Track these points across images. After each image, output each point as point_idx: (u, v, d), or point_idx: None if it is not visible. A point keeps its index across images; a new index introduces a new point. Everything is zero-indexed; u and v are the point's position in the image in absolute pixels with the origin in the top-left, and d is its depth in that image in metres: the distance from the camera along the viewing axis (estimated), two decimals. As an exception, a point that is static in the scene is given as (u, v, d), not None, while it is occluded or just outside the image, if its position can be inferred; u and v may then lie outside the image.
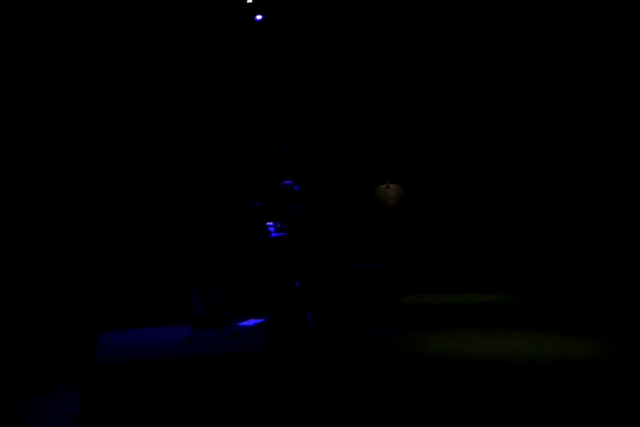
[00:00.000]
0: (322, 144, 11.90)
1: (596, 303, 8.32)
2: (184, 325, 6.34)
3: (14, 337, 6.84)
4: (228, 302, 6.20)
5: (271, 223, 7.12)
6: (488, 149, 12.21)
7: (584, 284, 9.94)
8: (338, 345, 4.88)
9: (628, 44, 10.34)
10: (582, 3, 10.65)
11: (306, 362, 4.62)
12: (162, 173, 9.78)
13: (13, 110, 8.51)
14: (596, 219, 10.78)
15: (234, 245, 7.18)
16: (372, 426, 3.54)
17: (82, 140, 9.10)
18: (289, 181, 7.60)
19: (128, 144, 9.63)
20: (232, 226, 7.23)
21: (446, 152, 12.71)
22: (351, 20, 11.82)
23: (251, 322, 6.31)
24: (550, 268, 10.88)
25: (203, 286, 5.92)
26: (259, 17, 11.19)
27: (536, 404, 4.00)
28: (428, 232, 12.60)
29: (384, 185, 12.66)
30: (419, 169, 12.85)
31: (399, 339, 5.56)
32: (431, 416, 3.78)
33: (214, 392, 4.36)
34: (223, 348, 5.10)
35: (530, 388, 4.63)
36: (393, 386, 4.71)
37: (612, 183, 10.82)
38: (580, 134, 11.02)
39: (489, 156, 12.20)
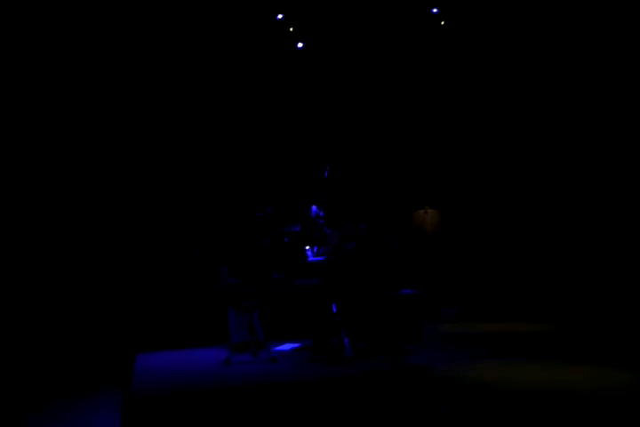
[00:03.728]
0: (360, 170, 11.95)
1: (635, 333, 8.05)
2: (219, 347, 6.36)
3: (51, 360, 6.97)
4: (264, 326, 6.20)
5: (308, 248, 7.13)
6: (530, 175, 12.04)
7: (622, 313, 9.61)
8: (375, 373, 4.81)
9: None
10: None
11: (344, 389, 4.56)
12: (202, 197, 9.96)
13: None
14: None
15: (271, 268, 7.20)
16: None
17: (116, 162, 9.34)
18: (314, 207, 7.63)
19: (169, 170, 9.87)
20: (270, 250, 7.26)
21: (486, 177, 12.59)
22: (391, 50, 11.98)
23: (287, 346, 6.28)
24: (591, 296, 10.55)
25: (240, 309, 5.94)
26: (300, 45, 11.44)
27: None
28: (467, 259, 12.41)
29: (422, 210, 12.57)
30: (457, 194, 12.74)
31: (436, 368, 5.46)
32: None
33: (253, 418, 4.34)
34: (260, 372, 5.09)
35: (569, 420, 4.48)
36: (431, 415, 4.61)
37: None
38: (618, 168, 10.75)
39: (531, 181, 12.03)
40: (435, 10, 11.50)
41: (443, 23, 11.56)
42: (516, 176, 12.23)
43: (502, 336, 8.22)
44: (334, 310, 5.75)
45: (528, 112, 11.98)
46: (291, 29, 11.35)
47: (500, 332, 8.60)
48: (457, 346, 7.59)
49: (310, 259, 6.75)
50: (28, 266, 8.12)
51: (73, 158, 8.91)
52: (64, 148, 8.82)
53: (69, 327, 7.58)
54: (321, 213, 7.56)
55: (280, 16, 11.10)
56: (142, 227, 9.07)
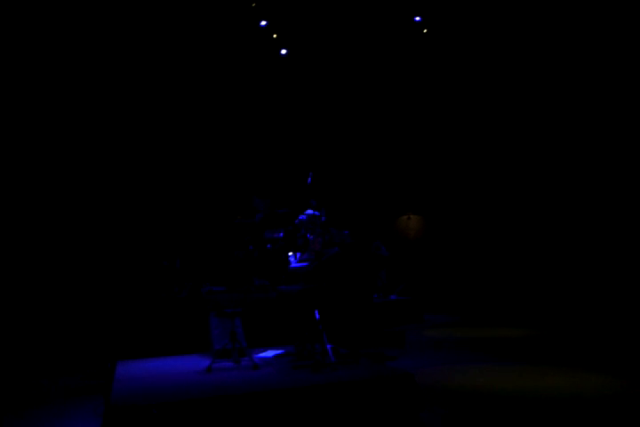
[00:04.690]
0: (343, 176, 11.98)
1: (618, 338, 8.15)
2: (201, 354, 6.31)
3: (34, 367, 6.88)
4: (246, 332, 6.17)
5: (291, 254, 7.12)
6: (513, 181, 12.15)
7: (604, 319, 9.71)
8: (357, 379, 4.81)
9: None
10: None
11: (326, 396, 4.55)
12: (183, 205, 9.91)
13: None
14: (625, 257, 10.54)
15: (254, 275, 7.18)
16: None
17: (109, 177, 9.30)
18: (310, 211, 7.62)
19: (149, 178, 9.83)
20: (253, 256, 7.24)
21: (468, 183, 12.68)
22: (378, 62, 12.06)
23: (269, 353, 6.25)
24: (573, 302, 10.66)
25: (222, 316, 5.90)
26: (283, 51, 11.46)
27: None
28: (450, 264, 12.47)
29: (405, 216, 12.62)
30: (440, 200, 12.82)
31: (419, 373, 5.48)
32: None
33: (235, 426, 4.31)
34: (242, 379, 5.05)
35: (555, 423, 4.51)
36: (412, 421, 4.62)
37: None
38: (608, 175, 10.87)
39: (513, 189, 12.14)
40: (417, 18, 11.60)
41: (425, 31, 11.67)
42: (499, 182, 12.34)
43: (486, 342, 8.27)
44: (317, 316, 5.74)
45: (509, 121, 12.11)
46: (274, 36, 11.37)
47: (484, 337, 8.66)
48: (440, 351, 7.63)
49: (293, 265, 6.74)
50: (12, 275, 8.03)
51: (51, 170, 8.85)
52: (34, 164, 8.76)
53: (52, 334, 7.50)
54: (322, 218, 7.55)
55: (264, 23, 11.12)
56: (124, 235, 9.01)
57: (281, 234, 7.46)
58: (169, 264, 7.61)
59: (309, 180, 7.83)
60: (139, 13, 9.78)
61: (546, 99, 11.55)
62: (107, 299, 7.63)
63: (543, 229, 11.65)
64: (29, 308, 7.79)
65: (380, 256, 10.38)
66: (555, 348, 7.68)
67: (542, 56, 11.27)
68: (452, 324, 10.23)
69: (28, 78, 8.76)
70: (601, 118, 10.76)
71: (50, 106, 9.04)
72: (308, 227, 7.29)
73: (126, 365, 6.01)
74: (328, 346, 5.56)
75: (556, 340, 8.26)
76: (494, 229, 12.26)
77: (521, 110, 11.91)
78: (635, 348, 7.46)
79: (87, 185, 9.11)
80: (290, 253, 7.14)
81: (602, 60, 10.53)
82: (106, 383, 5.71)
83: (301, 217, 7.63)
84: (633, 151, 10.36)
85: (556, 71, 11.22)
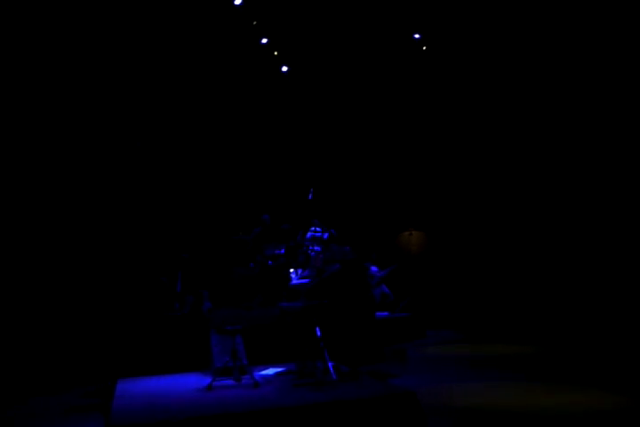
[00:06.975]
0: (345, 192, 11.99)
1: (624, 354, 8.07)
2: (202, 372, 6.27)
3: (34, 385, 6.84)
4: (247, 350, 6.12)
5: (293, 270, 7.11)
6: (513, 197, 12.14)
7: (610, 334, 9.62)
8: (358, 397, 4.76)
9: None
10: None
11: (327, 415, 4.50)
12: (184, 222, 9.92)
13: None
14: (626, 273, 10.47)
15: (255, 291, 7.16)
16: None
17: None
18: (316, 228, 7.64)
19: (153, 192, 9.85)
20: (254, 273, 7.23)
21: (469, 199, 12.68)
22: (377, 78, 12.14)
23: (270, 371, 6.20)
24: (575, 318, 10.57)
25: (222, 333, 5.87)
26: (284, 68, 11.56)
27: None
28: (452, 280, 12.42)
29: (407, 232, 12.61)
30: (442, 216, 12.80)
31: (421, 391, 5.42)
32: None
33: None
34: (243, 397, 5.00)
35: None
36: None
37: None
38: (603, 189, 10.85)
39: (514, 205, 12.13)
40: (417, 35, 11.70)
41: (424, 48, 11.76)
42: (500, 197, 12.34)
43: (489, 359, 8.20)
44: (318, 333, 5.70)
45: (509, 137, 12.14)
46: (275, 53, 11.48)
47: (487, 354, 8.58)
48: (443, 369, 7.56)
49: (294, 282, 6.72)
50: (10, 290, 8.01)
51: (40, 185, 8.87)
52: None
53: (52, 352, 7.47)
54: (325, 236, 7.58)
55: (265, 40, 11.23)
56: (124, 252, 8.99)
57: (282, 251, 7.46)
58: (169, 281, 7.59)
59: (310, 196, 7.85)
60: (141, 26, 9.88)
61: (542, 114, 11.59)
62: (107, 316, 7.59)
63: (546, 244, 11.60)
64: (29, 324, 7.75)
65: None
66: (560, 364, 7.60)
67: (540, 67, 11.30)
68: (455, 340, 10.15)
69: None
70: (596, 129, 10.78)
71: (50, 109, 9.07)
72: (313, 243, 7.32)
73: (126, 383, 5.96)
74: (329, 364, 5.52)
75: (561, 356, 8.18)
76: (497, 244, 12.22)
77: (519, 125, 11.94)
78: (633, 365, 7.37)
79: (87, 199, 9.11)
80: (291, 270, 7.13)
81: (600, 67, 10.55)
82: (106, 401, 5.66)
83: (310, 234, 7.65)
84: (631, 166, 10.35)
85: (553, 81, 11.25)
